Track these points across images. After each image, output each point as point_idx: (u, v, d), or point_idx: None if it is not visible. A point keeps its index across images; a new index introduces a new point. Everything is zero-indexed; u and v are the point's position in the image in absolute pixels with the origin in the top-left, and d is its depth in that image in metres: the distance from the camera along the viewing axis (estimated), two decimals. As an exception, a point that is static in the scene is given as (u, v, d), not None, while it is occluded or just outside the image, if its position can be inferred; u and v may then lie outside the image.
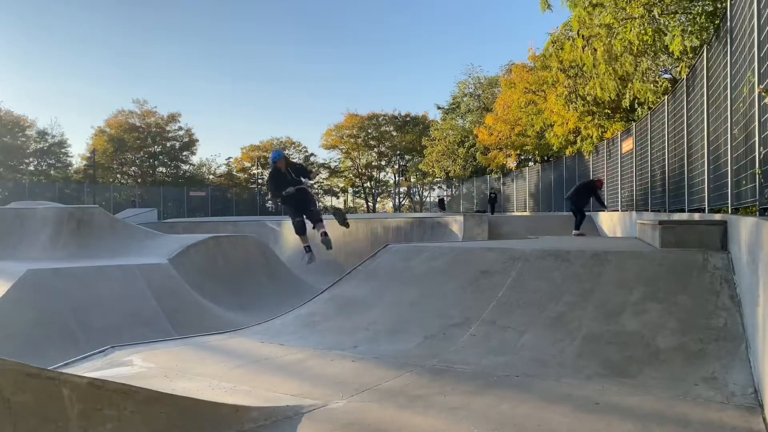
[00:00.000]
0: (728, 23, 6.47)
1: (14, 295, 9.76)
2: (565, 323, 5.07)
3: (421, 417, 3.57)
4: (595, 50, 13.35)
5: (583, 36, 13.04)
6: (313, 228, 8.69)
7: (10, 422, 2.31)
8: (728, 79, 6.36)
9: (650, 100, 14.52)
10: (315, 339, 5.90)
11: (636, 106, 16.08)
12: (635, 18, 11.75)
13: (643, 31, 11.94)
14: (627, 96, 15.20)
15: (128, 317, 10.31)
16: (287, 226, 25.67)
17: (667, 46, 12.81)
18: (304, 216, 8.68)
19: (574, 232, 14.74)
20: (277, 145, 59.08)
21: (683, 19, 11.69)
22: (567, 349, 4.69)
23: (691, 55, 11.82)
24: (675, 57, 12.51)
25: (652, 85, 14.22)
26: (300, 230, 8.66)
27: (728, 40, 6.42)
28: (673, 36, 11.47)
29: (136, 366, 5.14)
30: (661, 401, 3.67)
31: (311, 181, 9.07)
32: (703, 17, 10.91)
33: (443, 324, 5.61)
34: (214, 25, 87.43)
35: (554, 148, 24.33)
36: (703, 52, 8.27)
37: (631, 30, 11.95)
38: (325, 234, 8.47)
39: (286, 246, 22.14)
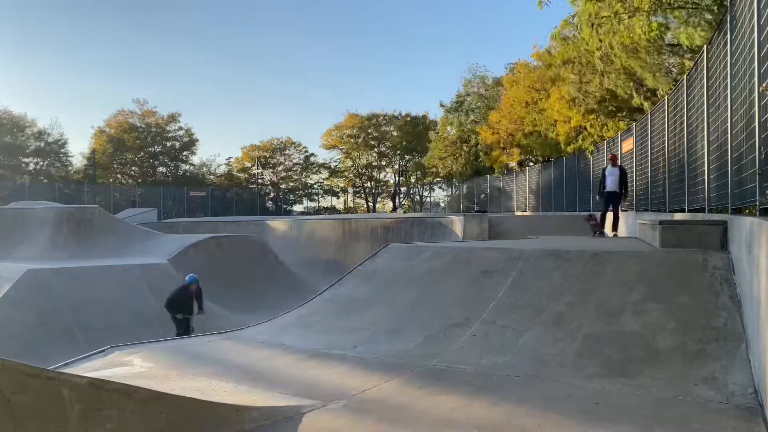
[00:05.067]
0: (728, 23, 6.47)
1: (14, 295, 9.77)
2: (565, 323, 5.07)
3: (421, 417, 3.57)
4: (601, 41, 13.25)
5: (592, 24, 12.89)
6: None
7: (10, 422, 2.31)
8: (728, 79, 6.35)
9: (664, 91, 14.29)
10: (315, 339, 5.90)
11: (648, 97, 15.87)
12: (643, 11, 11.66)
13: (648, 27, 11.89)
14: (635, 94, 15.15)
15: (128, 317, 10.33)
16: (288, 225, 25.71)
17: (669, 44, 12.80)
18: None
19: (613, 232, 12.44)
20: (277, 145, 59.06)
21: (688, 15, 11.61)
22: (567, 349, 4.69)
23: (691, 55, 11.82)
24: (679, 54, 12.49)
25: (663, 77, 14.09)
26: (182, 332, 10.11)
27: (728, 40, 6.42)
28: (679, 32, 11.45)
29: (136, 366, 5.14)
30: (661, 401, 3.67)
31: (201, 313, 10.78)
32: (709, 12, 10.86)
33: (443, 324, 5.61)
34: (215, 25, 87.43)
35: (561, 144, 24.21)
36: (703, 51, 8.26)
37: (638, 23, 11.88)
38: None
39: (287, 246, 22.12)
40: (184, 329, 10.05)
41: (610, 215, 12.68)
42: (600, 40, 13.21)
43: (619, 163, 13.22)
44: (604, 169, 12.95)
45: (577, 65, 18.46)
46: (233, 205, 49.78)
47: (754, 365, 3.86)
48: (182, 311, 10.26)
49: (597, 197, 12.99)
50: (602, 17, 12.27)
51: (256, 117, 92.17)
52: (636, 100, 15.57)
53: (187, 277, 10.64)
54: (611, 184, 12.35)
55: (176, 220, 31.76)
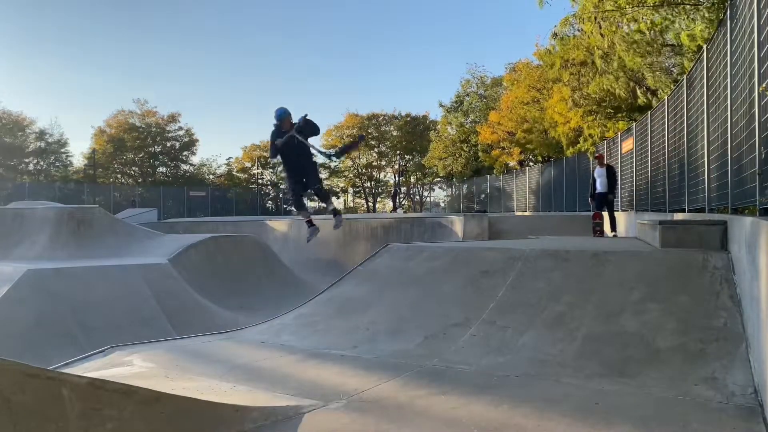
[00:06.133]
0: (728, 23, 6.48)
1: (14, 295, 9.75)
2: (565, 323, 5.07)
3: (421, 417, 3.57)
4: (603, 36, 13.24)
5: (595, 18, 12.88)
6: (322, 203, 8.07)
7: (11, 422, 2.31)
8: (728, 79, 6.36)
9: (664, 91, 14.33)
10: (315, 339, 5.90)
11: (650, 98, 15.86)
12: (648, 5, 11.65)
13: (651, 24, 11.90)
14: (640, 93, 15.15)
15: (128, 317, 10.31)
16: (288, 225, 25.68)
17: (669, 44, 12.82)
18: (305, 185, 7.79)
19: (613, 233, 12.68)
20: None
21: (691, 10, 11.60)
22: (567, 349, 4.69)
23: (691, 55, 11.83)
24: (680, 54, 12.51)
25: (664, 76, 14.12)
26: (298, 205, 7.93)
27: (728, 40, 6.42)
28: (679, 33, 11.46)
29: (136, 366, 5.14)
30: (661, 401, 3.67)
31: (317, 136, 7.77)
32: (711, 10, 10.87)
33: (443, 324, 5.61)
34: (214, 25, 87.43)
35: (563, 143, 24.18)
36: (703, 51, 8.27)
37: (642, 17, 11.88)
38: (334, 212, 7.83)
39: (286, 246, 22.14)
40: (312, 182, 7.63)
41: (605, 216, 12.82)
42: (602, 35, 13.22)
43: (606, 162, 13.27)
44: (593, 171, 13.01)
45: (577, 66, 18.49)
46: (233, 205, 49.77)
47: (754, 365, 3.86)
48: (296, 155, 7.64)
49: (590, 200, 13.13)
50: (605, 11, 12.29)
51: (256, 117, 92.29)
52: (641, 99, 15.58)
53: (275, 114, 7.78)
54: (601, 185, 12.48)
55: (176, 220, 31.71)
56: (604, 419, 3.40)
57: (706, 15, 11.03)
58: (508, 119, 31.36)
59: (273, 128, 7.71)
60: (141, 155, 54.34)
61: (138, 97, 67.77)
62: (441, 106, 47.50)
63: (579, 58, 17.62)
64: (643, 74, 14.28)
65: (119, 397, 2.77)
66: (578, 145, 22.07)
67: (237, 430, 3.25)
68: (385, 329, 5.80)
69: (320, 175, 7.98)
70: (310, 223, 7.78)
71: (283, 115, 7.60)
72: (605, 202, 12.62)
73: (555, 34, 17.28)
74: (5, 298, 9.64)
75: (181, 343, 6.24)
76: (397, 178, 60.52)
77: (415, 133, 55.78)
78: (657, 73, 13.99)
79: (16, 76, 79.54)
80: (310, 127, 7.70)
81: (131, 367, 5.12)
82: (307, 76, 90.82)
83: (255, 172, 59.24)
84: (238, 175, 58.94)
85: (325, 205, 8.06)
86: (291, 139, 7.46)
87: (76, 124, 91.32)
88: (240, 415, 3.37)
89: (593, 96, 18.52)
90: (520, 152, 33.49)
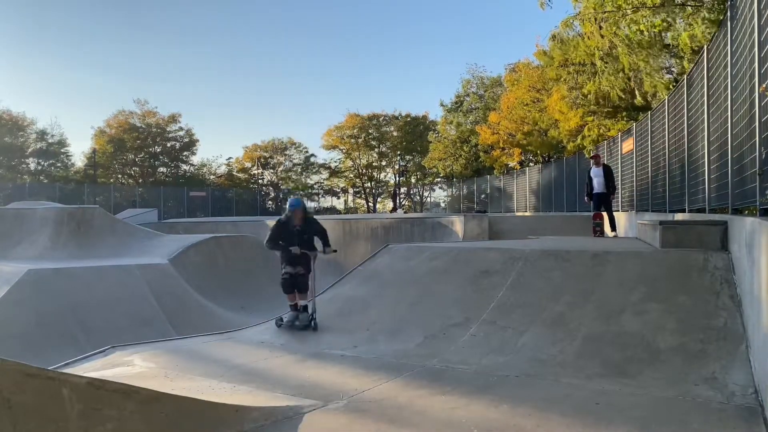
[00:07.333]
0: (729, 23, 6.48)
1: (14, 296, 9.76)
2: (565, 323, 5.07)
3: (421, 417, 3.57)
4: (603, 37, 13.22)
5: (595, 19, 12.86)
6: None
7: (10, 422, 2.31)
8: (729, 79, 6.35)
9: (662, 93, 14.35)
10: (315, 339, 5.90)
11: (649, 99, 15.85)
12: (647, 7, 11.64)
13: (651, 24, 11.90)
14: (638, 93, 15.15)
15: (128, 317, 10.31)
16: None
17: (667, 44, 12.82)
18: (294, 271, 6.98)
19: (613, 233, 12.56)
20: (278, 145, 59.06)
21: (693, 11, 11.57)
22: (567, 349, 4.69)
23: (691, 56, 11.83)
24: (679, 56, 12.51)
25: (663, 79, 14.13)
26: (286, 288, 6.99)
27: (729, 40, 6.42)
28: (679, 33, 11.45)
29: (136, 366, 5.14)
30: (661, 401, 3.67)
31: (329, 250, 7.21)
32: (711, 11, 10.86)
33: (443, 324, 5.61)
34: (215, 25, 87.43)
35: (564, 141, 24.15)
36: (703, 51, 8.27)
37: (642, 19, 11.86)
38: (304, 308, 6.79)
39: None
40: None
41: (605, 216, 12.83)
42: (601, 36, 13.22)
43: (603, 161, 13.21)
44: (589, 171, 12.90)
45: (576, 67, 18.50)
46: (233, 206, 49.76)
47: (754, 365, 3.86)
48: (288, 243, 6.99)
49: (585, 199, 13.09)
50: (606, 12, 12.28)
51: (256, 117, 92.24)
52: (638, 100, 15.57)
53: (288, 204, 7.27)
54: (598, 185, 12.38)
55: (176, 221, 31.71)
56: (605, 419, 3.40)
57: (707, 16, 11.03)
58: (508, 120, 31.36)
59: (281, 218, 7.26)
60: (141, 155, 54.32)
61: (138, 98, 67.69)
62: (442, 105, 47.51)
63: (578, 59, 17.64)
64: (642, 76, 14.30)
65: (119, 397, 2.77)
66: (578, 141, 22.03)
67: (237, 430, 3.25)
68: (385, 329, 5.80)
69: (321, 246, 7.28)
70: (294, 307, 6.85)
71: (296, 208, 7.06)
72: (603, 201, 12.54)
73: (554, 36, 17.30)
74: (5, 298, 9.65)
75: (181, 343, 6.24)
76: (397, 179, 60.52)
77: (415, 133, 55.78)
78: (656, 75, 14.01)
79: (16, 76, 79.50)
80: (321, 234, 7.28)
81: (131, 367, 5.12)
82: (307, 76, 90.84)
83: (255, 172, 59.22)
84: (238, 175, 58.94)
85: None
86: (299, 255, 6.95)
87: (76, 124, 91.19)
88: (240, 415, 3.37)
89: (591, 96, 18.54)
90: (520, 153, 33.49)
